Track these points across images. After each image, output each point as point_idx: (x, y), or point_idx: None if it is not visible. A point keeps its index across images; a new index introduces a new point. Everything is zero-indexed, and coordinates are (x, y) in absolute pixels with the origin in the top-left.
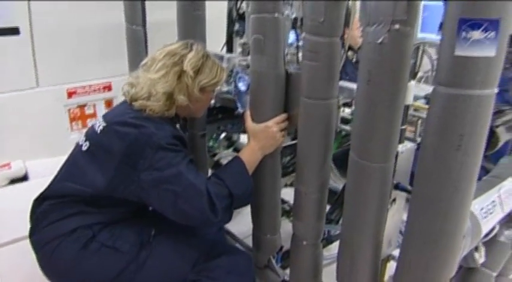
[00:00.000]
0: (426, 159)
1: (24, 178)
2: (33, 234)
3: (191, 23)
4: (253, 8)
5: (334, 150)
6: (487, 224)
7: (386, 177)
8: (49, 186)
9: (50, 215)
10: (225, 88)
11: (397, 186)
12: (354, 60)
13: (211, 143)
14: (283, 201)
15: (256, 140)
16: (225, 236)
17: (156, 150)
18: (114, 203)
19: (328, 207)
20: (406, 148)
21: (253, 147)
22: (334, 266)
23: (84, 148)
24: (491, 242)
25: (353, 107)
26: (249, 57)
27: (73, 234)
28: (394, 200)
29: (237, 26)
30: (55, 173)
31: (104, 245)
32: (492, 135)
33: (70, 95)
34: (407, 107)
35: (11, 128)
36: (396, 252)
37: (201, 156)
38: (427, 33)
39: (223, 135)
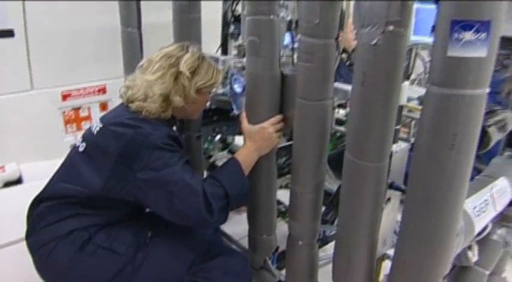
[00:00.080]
0: (420, 158)
1: (18, 181)
2: (29, 236)
3: (187, 25)
4: (248, 10)
5: (329, 152)
6: (480, 223)
7: (381, 176)
8: (45, 187)
9: (47, 217)
10: (220, 90)
11: (391, 186)
12: (348, 62)
13: (206, 145)
14: (279, 203)
15: (252, 141)
16: (221, 238)
17: (153, 150)
18: (110, 204)
19: (323, 208)
20: (400, 148)
21: (249, 148)
22: (329, 266)
23: (81, 149)
24: (484, 241)
25: (347, 109)
26: (244, 59)
27: (69, 236)
28: (388, 199)
29: (232, 28)
30: (49, 176)
31: (101, 246)
32: (484, 135)
33: (65, 97)
34: (401, 107)
35: (5, 130)
36: (391, 252)
37: (196, 158)
38: (419, 36)
39: (218, 137)
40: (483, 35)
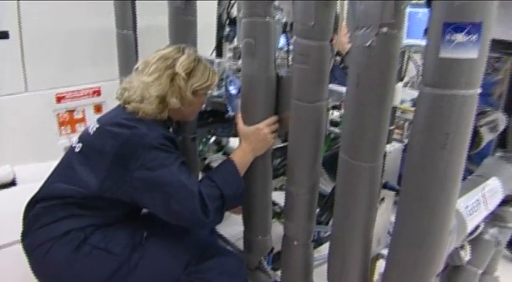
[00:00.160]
0: (413, 158)
1: (12, 183)
2: (25, 237)
3: (183, 28)
4: (244, 12)
5: (324, 153)
6: (472, 221)
7: (375, 176)
8: (41, 188)
9: (42, 218)
10: (215, 92)
11: (385, 186)
12: (342, 65)
13: (200, 147)
14: (274, 204)
15: (248, 142)
16: (216, 239)
17: (149, 150)
18: (106, 205)
19: (317, 210)
20: (394, 148)
21: (244, 149)
22: (324, 266)
23: (77, 149)
24: (476, 240)
25: (342, 110)
26: (239, 61)
27: (65, 236)
28: (382, 199)
29: (227, 31)
30: (44, 178)
31: (96, 247)
32: (476, 135)
33: (59, 99)
34: (394, 108)
35: None
36: (385, 251)
37: (191, 160)
38: (412, 39)
39: (212, 139)
40: (474, 37)
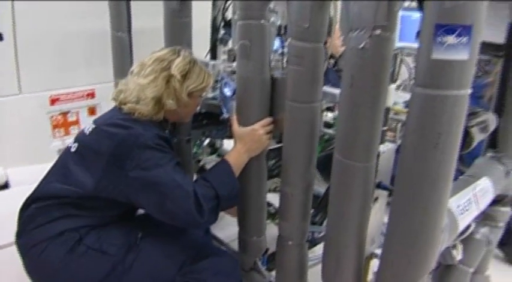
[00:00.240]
0: (406, 157)
1: (5, 186)
2: (20, 238)
3: (178, 30)
4: (240, 14)
5: (318, 154)
6: (464, 221)
7: (368, 176)
8: (37, 188)
9: (38, 218)
10: (210, 94)
11: (379, 185)
12: (335, 68)
13: (195, 150)
14: (268, 204)
15: (243, 142)
16: (211, 240)
17: (144, 150)
18: (102, 205)
19: (311, 211)
20: (387, 148)
21: (239, 150)
22: (318, 267)
23: (73, 149)
24: (468, 240)
25: (335, 112)
26: (234, 64)
27: (60, 237)
28: (376, 198)
29: (221, 33)
30: (37, 180)
31: (91, 248)
32: (467, 135)
33: (53, 101)
34: (387, 109)
35: None
36: (379, 251)
37: (186, 161)
38: (404, 42)
39: (206, 141)
40: (465, 39)
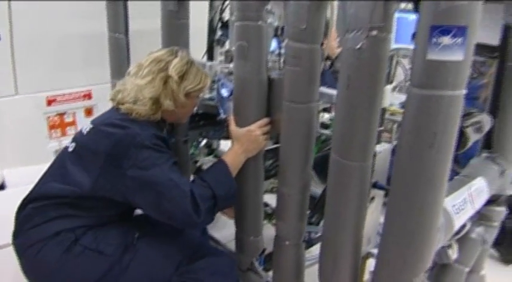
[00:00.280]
0: (402, 157)
1: (1, 187)
2: (16, 238)
3: (175, 31)
4: (237, 16)
5: (314, 155)
6: (459, 220)
7: (365, 175)
8: (34, 188)
9: (34, 218)
10: (207, 95)
11: (375, 185)
12: (332, 69)
13: (192, 150)
14: (265, 205)
15: (240, 143)
16: (208, 240)
17: (140, 149)
18: (99, 205)
19: (308, 212)
20: (383, 148)
21: (236, 150)
22: (315, 267)
23: (70, 149)
24: (463, 239)
25: (332, 113)
26: (231, 65)
27: (56, 237)
28: (372, 198)
29: (218, 35)
30: (33, 181)
31: (88, 248)
32: (462, 136)
33: (50, 102)
34: (384, 110)
35: None
36: (375, 251)
37: (184, 162)
38: (400, 44)
39: (203, 142)
40: (460, 40)
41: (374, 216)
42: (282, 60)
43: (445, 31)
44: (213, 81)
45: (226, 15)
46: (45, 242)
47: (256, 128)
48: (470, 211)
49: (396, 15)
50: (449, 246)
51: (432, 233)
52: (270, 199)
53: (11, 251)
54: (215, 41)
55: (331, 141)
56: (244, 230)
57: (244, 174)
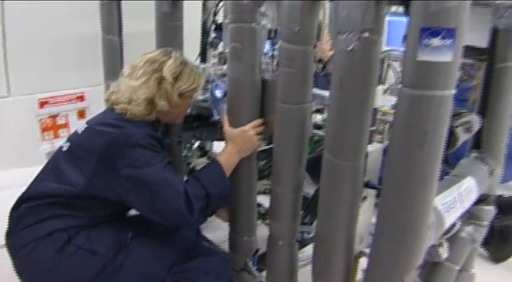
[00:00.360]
0: (393, 156)
1: None
2: (9, 238)
3: (169, 33)
4: (231, 18)
5: (307, 156)
6: (449, 218)
7: (357, 174)
8: (28, 188)
9: (27, 218)
10: (201, 96)
11: (367, 184)
12: (323, 72)
13: (185, 152)
14: (259, 205)
15: (234, 143)
16: (202, 241)
17: (134, 148)
18: (93, 205)
19: (301, 212)
20: (375, 148)
21: (230, 151)
22: (308, 267)
23: (65, 149)
24: (453, 238)
25: (324, 114)
26: (224, 67)
27: (49, 237)
28: (365, 197)
29: (212, 37)
30: (25, 184)
31: (81, 247)
32: (452, 135)
33: (42, 104)
34: (375, 110)
35: None
36: (368, 250)
37: (177, 163)
38: (391, 46)
39: (196, 144)
40: (449, 41)
41: (366, 215)
42: (275, 62)
43: (434, 33)
44: (207, 81)
45: (220, 18)
46: (38, 241)
47: (250, 129)
48: (460, 210)
49: (387, 18)
50: (440, 244)
51: (423, 230)
52: (263, 200)
53: (4, 252)
54: (208, 43)
55: (323, 142)
56: (237, 230)
57: (238, 174)
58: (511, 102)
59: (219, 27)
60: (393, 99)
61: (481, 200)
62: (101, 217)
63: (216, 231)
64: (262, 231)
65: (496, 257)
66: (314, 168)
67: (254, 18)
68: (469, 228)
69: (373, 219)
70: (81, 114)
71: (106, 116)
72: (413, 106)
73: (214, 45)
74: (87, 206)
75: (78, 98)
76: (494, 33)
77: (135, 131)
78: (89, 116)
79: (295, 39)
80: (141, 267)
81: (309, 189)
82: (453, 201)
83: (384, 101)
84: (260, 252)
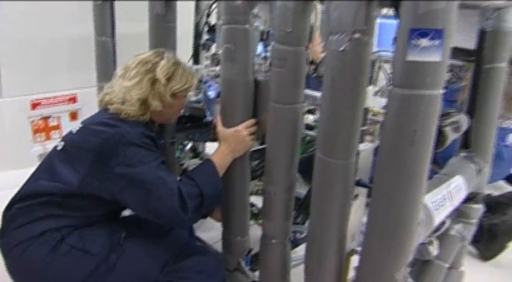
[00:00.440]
0: (384, 155)
1: None
2: (2, 237)
3: (163, 35)
4: (225, 19)
5: (299, 156)
6: (439, 215)
7: (348, 173)
8: (22, 188)
9: (19, 218)
10: (194, 97)
11: (358, 183)
12: (315, 74)
13: (178, 154)
14: (251, 205)
15: (227, 143)
16: (195, 241)
17: (128, 146)
18: (86, 204)
19: (293, 212)
20: (366, 147)
21: (223, 151)
22: (301, 267)
23: (59, 148)
24: (443, 236)
25: (316, 114)
26: (217, 68)
27: (42, 236)
28: (356, 195)
29: (205, 39)
30: (17, 185)
31: (74, 247)
32: (440, 135)
33: (34, 106)
34: (366, 109)
35: None
36: (360, 248)
37: (170, 163)
38: (382, 48)
39: (189, 146)
40: (437, 42)
41: (358, 214)
42: (267, 63)
43: (423, 33)
44: (200, 81)
45: (213, 20)
46: (31, 241)
47: (243, 129)
48: (449, 208)
49: (378, 20)
50: (430, 242)
51: (413, 228)
52: (256, 200)
53: None
54: (201, 45)
55: (315, 142)
56: (230, 230)
57: (231, 174)
58: (498, 103)
59: (211, 29)
60: (384, 101)
61: (470, 198)
62: (94, 217)
63: (209, 231)
64: (255, 231)
65: (485, 255)
66: (306, 169)
67: (247, 20)
68: (458, 226)
69: (365, 219)
70: (73, 116)
71: (101, 116)
72: (403, 105)
73: (207, 47)
74: (81, 205)
75: (70, 99)
76: (482, 34)
77: (129, 130)
78: (81, 117)
79: (288, 40)
80: (134, 266)
81: (301, 190)
82: (442, 199)
83: (375, 102)
84: (253, 252)
